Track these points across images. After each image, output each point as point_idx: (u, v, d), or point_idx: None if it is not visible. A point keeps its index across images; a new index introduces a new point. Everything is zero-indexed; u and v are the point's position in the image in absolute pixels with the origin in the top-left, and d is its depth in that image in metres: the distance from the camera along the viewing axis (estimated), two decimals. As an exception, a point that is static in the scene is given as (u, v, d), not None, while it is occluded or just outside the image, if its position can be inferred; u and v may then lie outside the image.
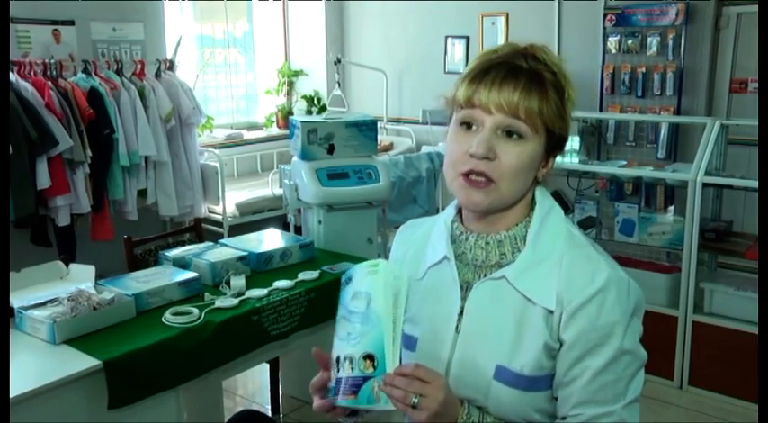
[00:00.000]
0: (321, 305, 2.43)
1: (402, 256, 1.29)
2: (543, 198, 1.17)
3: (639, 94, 4.20)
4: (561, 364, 1.09)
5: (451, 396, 1.08)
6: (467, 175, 1.09)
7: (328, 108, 5.61)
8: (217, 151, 4.57)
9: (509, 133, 1.08)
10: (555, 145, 1.14)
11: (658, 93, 4.14)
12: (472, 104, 1.09)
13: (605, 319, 1.06)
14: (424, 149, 5.00)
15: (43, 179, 3.56)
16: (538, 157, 1.12)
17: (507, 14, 4.86)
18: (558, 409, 1.12)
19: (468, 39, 5.11)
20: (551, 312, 1.09)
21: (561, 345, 1.09)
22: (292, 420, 3.00)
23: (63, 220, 3.74)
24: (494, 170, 1.08)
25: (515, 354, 1.10)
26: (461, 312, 1.15)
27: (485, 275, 1.15)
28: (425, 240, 1.25)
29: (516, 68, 1.09)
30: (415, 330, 1.20)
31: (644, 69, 4.17)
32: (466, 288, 1.16)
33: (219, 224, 4.54)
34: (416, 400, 1.03)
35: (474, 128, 1.10)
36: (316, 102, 5.78)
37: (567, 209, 3.64)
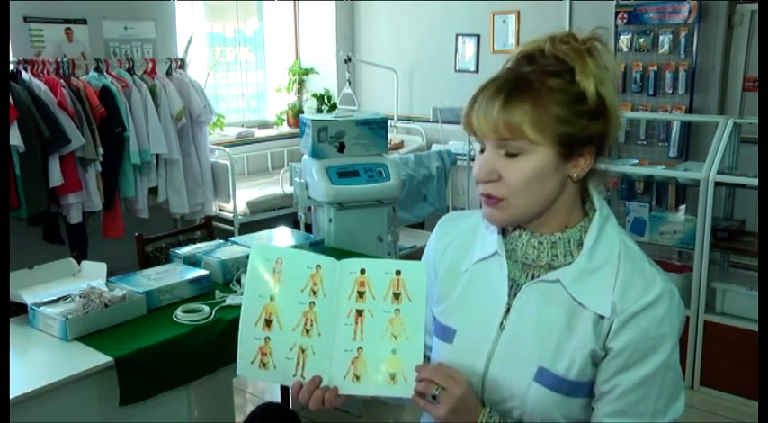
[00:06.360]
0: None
1: (444, 248, 1.26)
2: (602, 205, 1.15)
3: (651, 92, 4.17)
4: (603, 372, 1.08)
5: (473, 395, 1.09)
6: (483, 195, 1.12)
7: (339, 106, 5.61)
8: (227, 149, 4.59)
9: (507, 153, 1.07)
10: (579, 143, 1.08)
11: (670, 91, 4.11)
12: (473, 132, 1.10)
13: (656, 331, 1.06)
14: (435, 148, 4.99)
15: (55, 177, 3.59)
16: (549, 166, 1.07)
17: (518, 12, 4.84)
18: (592, 418, 1.10)
19: (478, 37, 5.10)
20: (602, 318, 1.07)
21: (606, 353, 1.07)
22: (302, 418, 2.99)
23: (75, 217, 3.77)
24: (499, 190, 1.09)
25: (560, 357, 1.08)
26: (508, 310, 1.14)
27: (533, 275, 1.14)
28: (473, 233, 1.23)
29: (506, 82, 1.07)
30: (453, 322, 1.19)
31: (656, 67, 4.14)
32: (512, 286, 1.15)
33: (230, 222, 4.55)
34: (437, 392, 1.06)
35: (484, 151, 1.11)
36: (326, 100, 5.78)
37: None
